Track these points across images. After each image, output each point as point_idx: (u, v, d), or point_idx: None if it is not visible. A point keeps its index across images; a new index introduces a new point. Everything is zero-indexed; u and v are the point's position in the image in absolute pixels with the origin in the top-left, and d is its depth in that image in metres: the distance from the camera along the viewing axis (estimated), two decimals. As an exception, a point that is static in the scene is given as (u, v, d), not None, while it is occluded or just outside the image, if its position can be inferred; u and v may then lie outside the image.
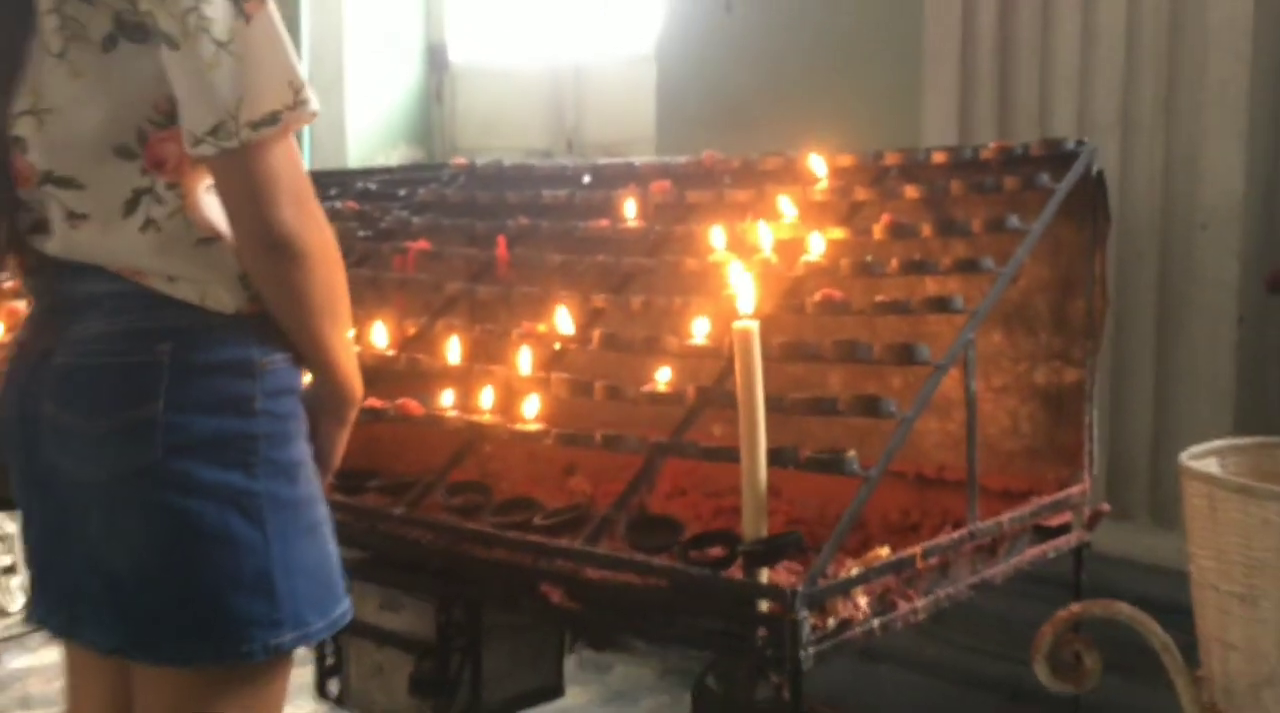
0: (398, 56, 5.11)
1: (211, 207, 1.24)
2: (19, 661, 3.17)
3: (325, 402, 1.32)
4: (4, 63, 1.22)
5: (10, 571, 3.43)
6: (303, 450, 1.29)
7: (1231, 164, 2.50)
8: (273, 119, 1.18)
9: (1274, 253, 2.52)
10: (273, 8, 1.20)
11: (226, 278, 1.24)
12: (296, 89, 1.20)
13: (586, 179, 2.22)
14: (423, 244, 2.09)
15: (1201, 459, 1.27)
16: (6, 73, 1.22)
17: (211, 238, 1.23)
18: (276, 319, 1.25)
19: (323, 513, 1.31)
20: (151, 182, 1.23)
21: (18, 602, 3.45)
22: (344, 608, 1.32)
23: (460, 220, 2.18)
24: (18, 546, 3.34)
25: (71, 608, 1.32)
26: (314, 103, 1.21)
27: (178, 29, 1.15)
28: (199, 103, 1.16)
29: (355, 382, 1.34)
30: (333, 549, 1.31)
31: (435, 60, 5.04)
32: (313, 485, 1.29)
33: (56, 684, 2.12)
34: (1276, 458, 1.33)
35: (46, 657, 3.02)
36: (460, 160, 2.45)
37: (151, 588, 1.24)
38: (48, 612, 1.36)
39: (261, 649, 1.25)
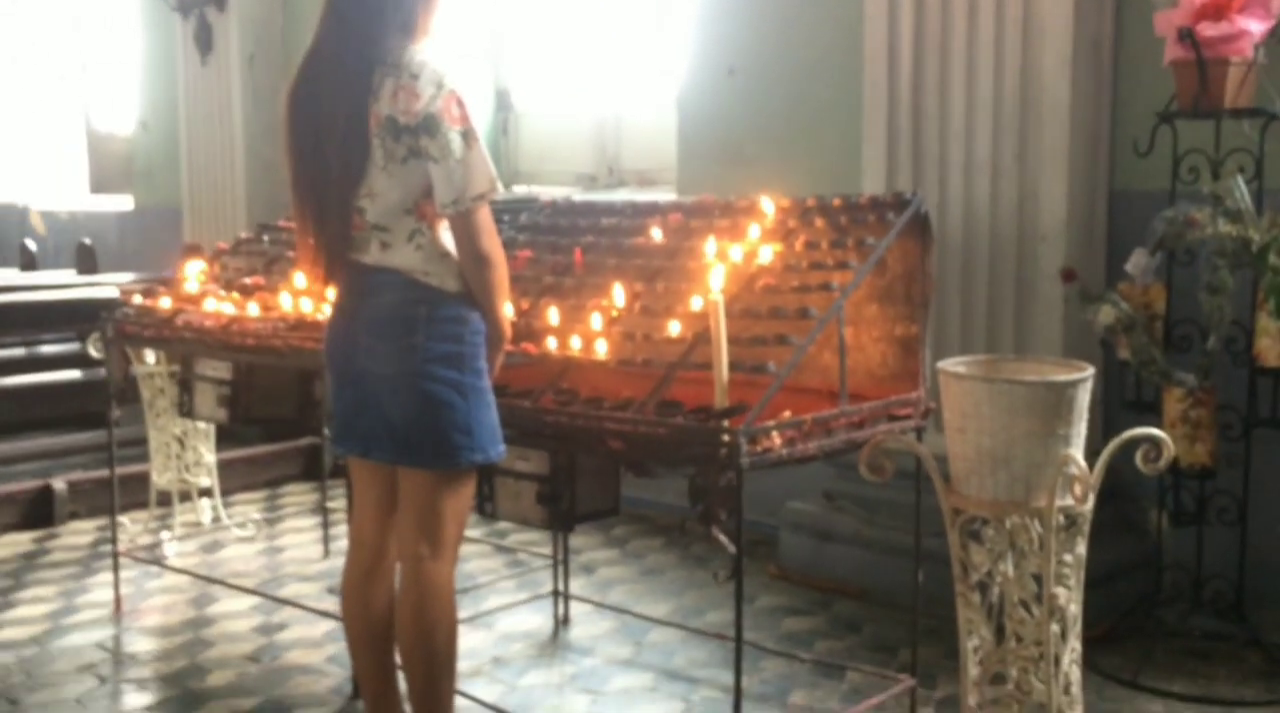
0: (473, 98, 6.37)
1: (446, 238, 2.47)
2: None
3: (492, 339, 2.55)
4: (357, 171, 2.45)
5: (206, 492, 4.65)
6: (484, 363, 2.52)
7: (1059, 197, 3.65)
8: (480, 197, 2.41)
9: (1084, 257, 3.68)
10: (481, 139, 2.42)
11: (453, 274, 2.48)
12: (492, 181, 2.42)
13: (621, 206, 3.43)
14: (527, 252, 3.31)
15: (949, 364, 2.46)
16: (358, 176, 2.45)
17: (447, 253, 2.47)
18: (476, 295, 2.48)
19: (493, 396, 2.54)
20: (420, 226, 2.46)
21: (206, 516, 4.68)
22: (502, 448, 2.55)
23: (549, 237, 3.40)
24: (213, 470, 4.56)
25: (365, 441, 2.55)
26: (500, 187, 2.44)
27: (438, 153, 2.39)
28: (446, 188, 2.40)
29: (508, 330, 2.58)
30: (496, 416, 2.54)
31: (502, 102, 6.16)
32: (488, 381, 2.52)
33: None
34: (994, 365, 2.51)
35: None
36: (547, 198, 3.66)
37: (413, 428, 2.48)
38: (348, 446, 2.60)
39: (466, 462, 2.49)
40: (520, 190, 6.00)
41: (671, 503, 4.58)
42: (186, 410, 3.68)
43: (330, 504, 4.50)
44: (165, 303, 3.76)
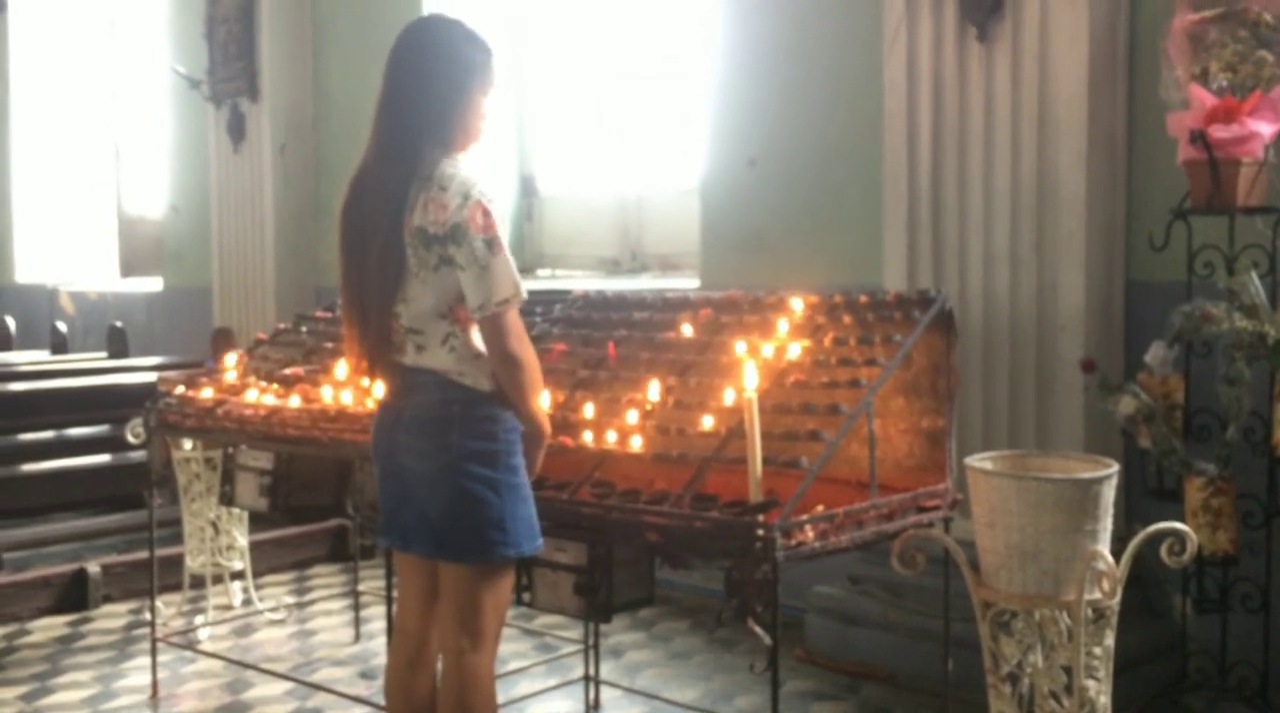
0: (498, 185, 6.56)
1: (478, 340, 2.57)
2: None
3: (529, 436, 2.64)
4: (394, 279, 2.56)
5: (238, 575, 4.71)
6: (520, 459, 2.61)
7: (1077, 288, 3.75)
8: (505, 302, 2.51)
9: (1102, 346, 3.77)
10: (504, 244, 2.52)
11: (485, 374, 2.57)
12: (515, 287, 2.53)
13: (652, 299, 3.54)
14: (562, 346, 3.42)
15: (977, 460, 2.54)
16: (395, 284, 2.56)
17: (479, 355, 2.57)
18: (507, 394, 2.57)
19: (529, 491, 2.62)
20: (454, 329, 2.56)
21: (237, 599, 4.75)
22: (539, 542, 2.63)
23: (582, 330, 3.50)
24: (245, 554, 4.63)
25: (405, 535, 2.64)
26: (524, 292, 2.54)
27: (466, 261, 2.50)
28: (475, 294, 2.51)
29: (546, 427, 2.66)
30: (533, 511, 2.62)
31: (526, 188, 6.32)
32: (524, 477, 2.61)
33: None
34: (1021, 461, 2.59)
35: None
36: (579, 291, 3.77)
37: (449, 523, 2.56)
38: (390, 539, 2.68)
39: (500, 557, 2.57)
40: (544, 274, 6.14)
41: (697, 585, 4.63)
42: (228, 499, 3.77)
43: (360, 588, 4.56)
44: (207, 393, 3.86)
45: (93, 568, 4.81)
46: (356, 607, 4.49)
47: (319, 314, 4.30)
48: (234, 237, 7.01)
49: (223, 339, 6.50)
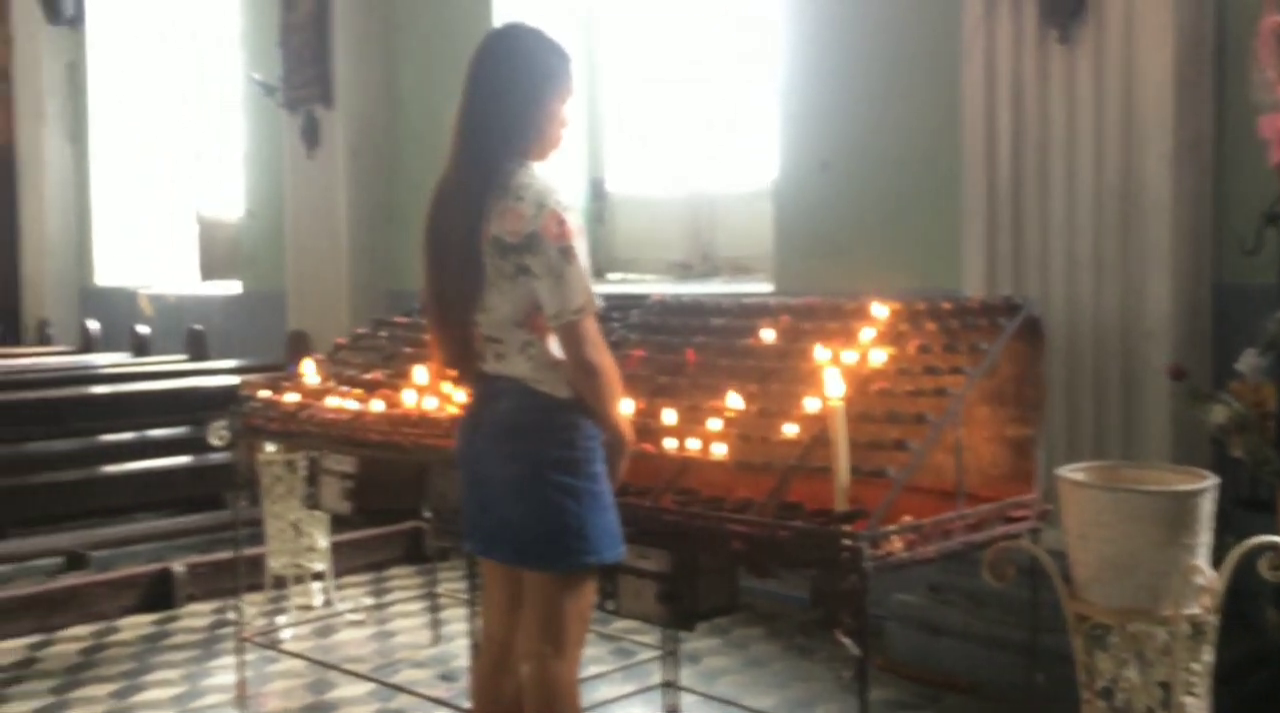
0: (568, 189, 6.57)
1: (555, 348, 2.58)
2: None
3: (611, 443, 2.64)
4: (472, 289, 2.58)
5: (319, 576, 4.78)
6: (600, 466, 2.61)
7: (1164, 293, 3.68)
8: (580, 310, 2.52)
9: (1190, 353, 3.70)
10: (580, 252, 2.53)
11: (562, 382, 2.59)
12: (589, 296, 2.54)
13: (729, 305, 3.54)
14: (640, 352, 3.42)
15: (1069, 471, 2.50)
16: (473, 293, 2.58)
17: (556, 363, 2.58)
18: (586, 402, 2.58)
19: (611, 499, 2.63)
20: (531, 337, 2.58)
21: (318, 600, 4.82)
22: (621, 550, 2.64)
23: (660, 336, 3.51)
24: (326, 555, 4.69)
25: (488, 542, 2.66)
26: (598, 300, 2.55)
27: (541, 270, 2.51)
28: (551, 302, 2.52)
29: (628, 434, 2.67)
30: (616, 518, 2.63)
31: (597, 191, 6.34)
32: (606, 484, 2.62)
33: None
34: (1113, 472, 2.55)
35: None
36: (658, 296, 3.78)
37: (530, 531, 2.58)
38: (474, 545, 2.70)
39: (581, 565, 2.58)
40: (615, 278, 6.16)
41: (773, 591, 4.61)
42: (313, 502, 3.82)
43: (437, 590, 4.60)
44: (290, 397, 3.91)
45: (178, 568, 4.90)
46: (434, 609, 4.53)
47: (397, 319, 4.35)
48: (308, 241, 7.10)
49: (298, 342, 6.61)
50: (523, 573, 2.64)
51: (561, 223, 2.50)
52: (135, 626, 4.65)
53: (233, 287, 8.14)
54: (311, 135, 6.97)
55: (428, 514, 3.58)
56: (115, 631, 4.59)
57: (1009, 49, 3.97)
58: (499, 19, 6.21)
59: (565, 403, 2.56)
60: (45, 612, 4.62)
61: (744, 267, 5.67)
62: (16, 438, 5.94)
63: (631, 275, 6.16)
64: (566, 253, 2.49)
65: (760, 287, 5.17)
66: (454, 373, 2.74)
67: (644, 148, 6.18)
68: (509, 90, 2.59)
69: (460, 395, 3.15)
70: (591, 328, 2.54)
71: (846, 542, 2.46)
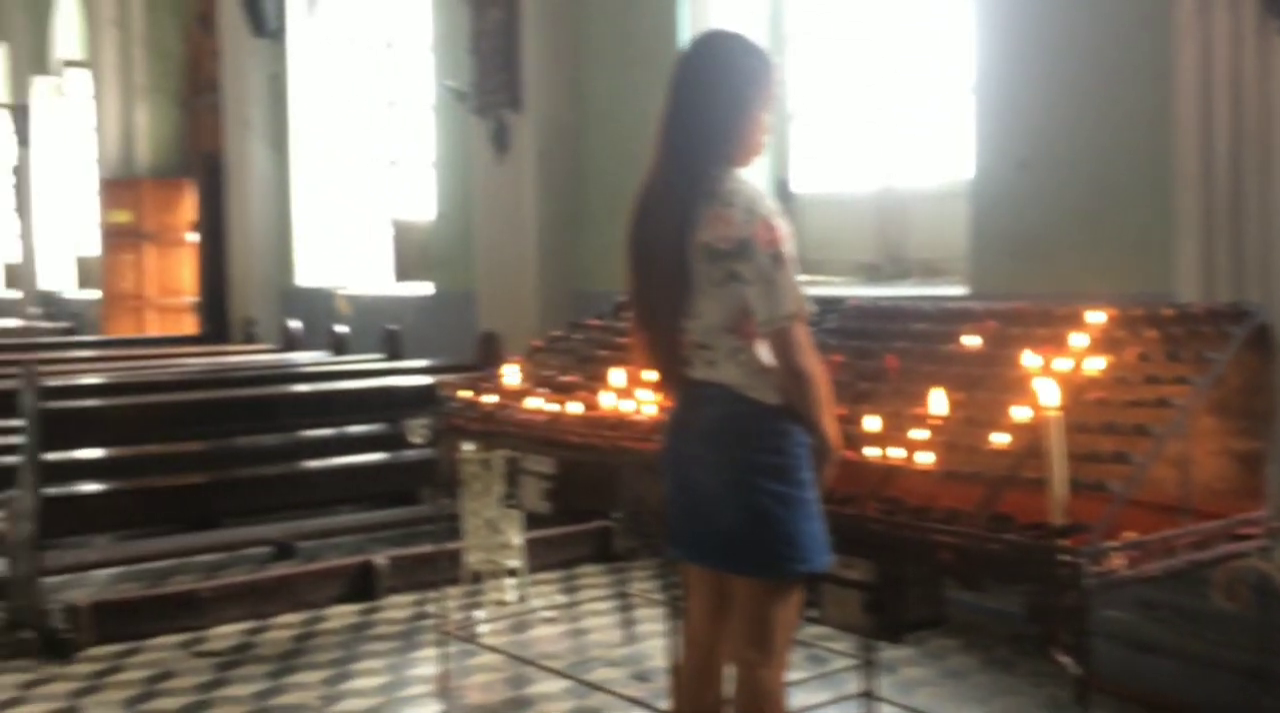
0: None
1: (765, 354, 2.57)
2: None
3: (818, 450, 2.62)
4: (680, 296, 2.60)
5: (513, 572, 4.89)
6: (809, 473, 2.60)
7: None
8: (791, 316, 2.51)
9: None
10: (790, 258, 2.52)
11: (772, 388, 2.58)
12: (801, 302, 2.52)
13: (931, 310, 3.47)
14: (838, 357, 3.39)
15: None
16: (681, 301, 2.60)
17: (766, 369, 2.57)
18: (796, 408, 2.56)
19: (818, 506, 2.61)
20: (741, 344, 2.58)
21: (512, 596, 4.93)
22: (828, 558, 2.62)
23: (858, 341, 3.47)
24: (521, 552, 4.80)
25: (694, 547, 2.67)
26: (810, 306, 2.53)
27: (752, 276, 2.51)
28: (761, 308, 2.52)
29: (836, 441, 2.65)
30: (824, 526, 2.61)
31: (781, 191, 6.28)
32: (813, 492, 2.60)
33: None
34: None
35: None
36: (855, 300, 3.74)
37: (737, 537, 2.58)
38: (679, 550, 2.72)
39: (790, 572, 2.57)
40: (802, 280, 6.09)
41: (968, 601, 4.50)
42: (513, 501, 3.91)
43: (628, 590, 4.65)
44: (490, 398, 4.02)
45: (379, 560, 5.09)
46: (626, 608, 4.58)
47: (592, 322, 4.41)
48: (497, 243, 7.27)
49: (489, 343, 6.78)
50: (729, 579, 2.65)
51: (772, 228, 2.50)
52: (341, 615, 4.85)
53: (425, 287, 8.40)
54: (501, 140, 7.13)
55: (619, 515, 3.63)
56: (323, 619, 4.80)
57: (1226, 40, 3.79)
58: (685, 22, 6.25)
59: (775, 409, 2.55)
60: (258, 599, 4.85)
61: (936, 268, 5.54)
62: (225, 433, 6.24)
63: (818, 277, 6.09)
64: (778, 259, 2.49)
65: (954, 289, 5.06)
66: (657, 378, 2.76)
67: (830, 145, 6.11)
68: (714, 96, 2.60)
69: (659, 399, 3.18)
70: (802, 333, 2.53)
71: (1065, 557, 2.39)
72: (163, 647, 4.48)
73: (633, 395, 3.54)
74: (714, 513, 2.59)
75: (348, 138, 9.67)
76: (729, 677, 2.74)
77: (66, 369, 7.44)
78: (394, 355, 7.41)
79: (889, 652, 4.15)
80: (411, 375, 6.87)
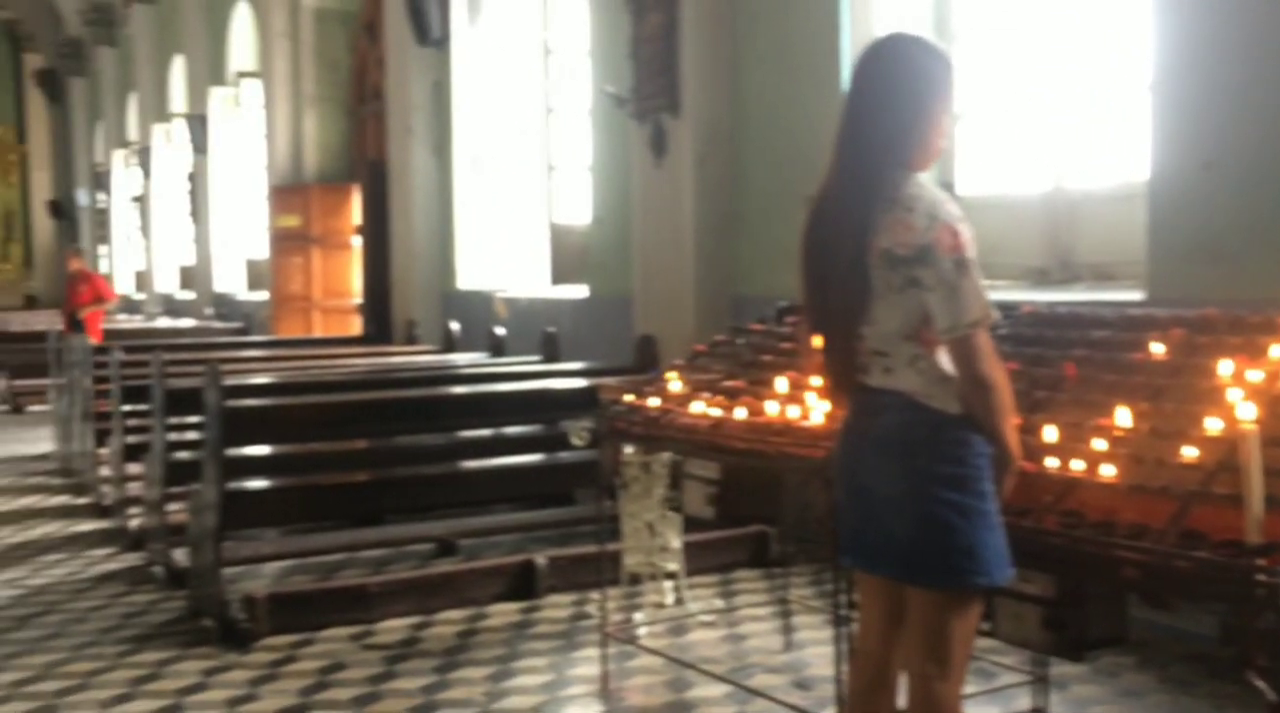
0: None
1: (945, 362, 2.52)
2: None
3: (999, 461, 2.56)
4: (858, 303, 2.56)
5: (671, 575, 4.91)
6: (990, 485, 2.53)
7: None
8: (975, 323, 2.45)
9: None
10: (974, 264, 2.46)
11: (952, 396, 2.52)
12: (985, 308, 2.46)
13: (1112, 317, 3.35)
14: (1013, 365, 3.30)
15: None
16: (859, 308, 2.56)
17: (947, 377, 2.52)
18: (977, 418, 2.50)
19: (999, 518, 2.54)
20: (920, 351, 2.53)
21: (669, 599, 4.94)
22: (1009, 572, 2.55)
23: (1034, 349, 3.38)
24: (679, 555, 4.81)
25: (869, 556, 2.63)
26: (995, 313, 2.47)
27: (934, 283, 2.46)
28: (943, 316, 2.46)
29: (1015, 451, 2.58)
30: (1004, 538, 2.54)
31: (946, 193, 6.14)
32: (994, 503, 2.53)
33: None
34: None
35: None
36: (1028, 307, 3.64)
37: (915, 547, 2.53)
38: (854, 559, 2.68)
39: (971, 584, 2.51)
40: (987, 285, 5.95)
41: (1144, 618, 4.35)
42: (677, 506, 3.92)
43: (787, 596, 4.62)
44: (653, 402, 4.03)
45: (540, 560, 5.16)
46: (785, 614, 4.55)
47: (754, 326, 4.39)
48: (654, 247, 7.31)
49: (646, 346, 6.81)
50: (905, 589, 2.60)
51: (955, 234, 2.45)
52: (502, 613, 4.93)
53: (580, 291, 8.50)
54: (659, 144, 7.17)
55: (790, 524, 3.62)
56: (485, 616, 4.89)
57: None
58: (846, 23, 6.18)
59: (955, 419, 2.50)
60: (424, 595, 4.97)
61: (1107, 273, 5.36)
62: (388, 433, 6.40)
63: (983, 282, 5.94)
64: (961, 265, 2.44)
65: (1128, 295, 4.88)
66: (832, 387, 2.73)
67: (997, 146, 5.96)
68: (894, 100, 2.56)
69: (829, 406, 3.14)
70: (985, 342, 2.48)
71: (1262, 577, 2.28)
72: (334, 638, 4.62)
73: (800, 401, 3.52)
74: (890, 522, 2.55)
75: (507, 143, 9.86)
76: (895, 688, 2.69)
77: (239, 368, 7.77)
78: (551, 358, 7.51)
79: (1059, 668, 4.03)
80: (568, 378, 6.96)
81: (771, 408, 3.61)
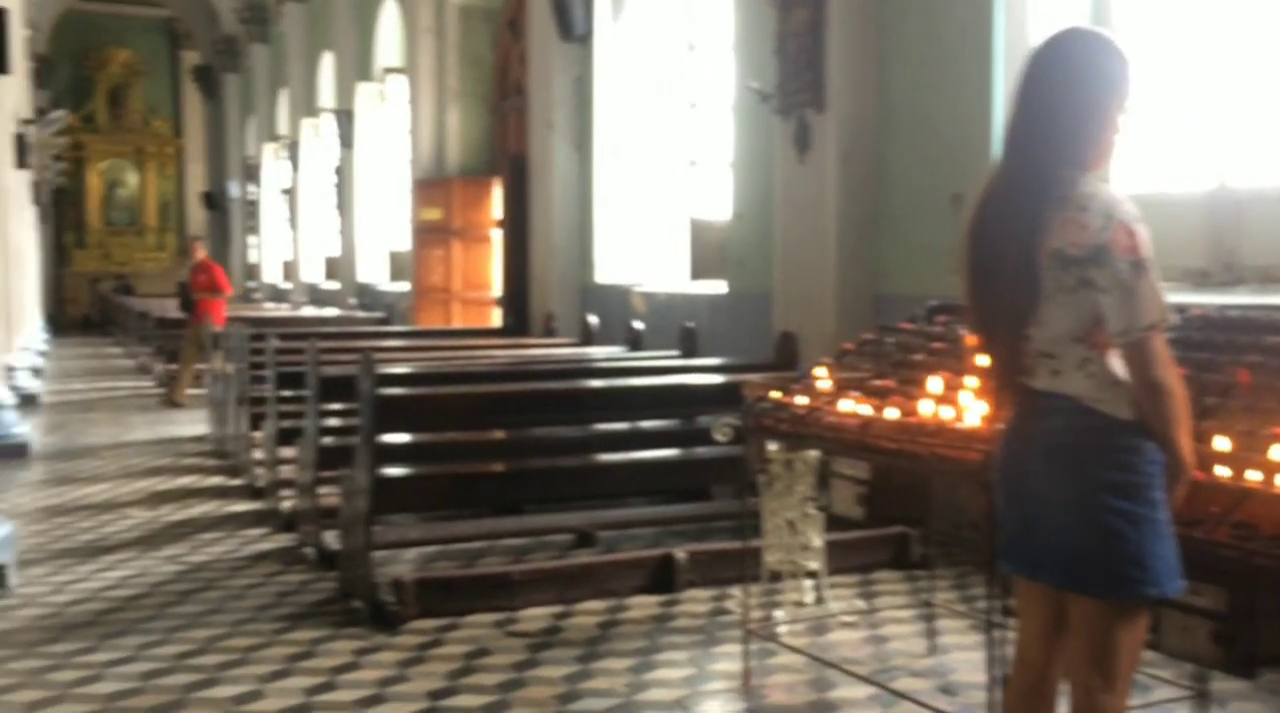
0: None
1: (1118, 366, 2.45)
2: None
3: (1171, 469, 2.48)
4: (1026, 303, 2.50)
5: (812, 574, 4.87)
6: (1161, 493, 2.46)
7: None
8: (1151, 327, 2.38)
9: None
10: (1151, 266, 2.39)
11: (1124, 401, 2.45)
12: (1163, 311, 2.39)
13: None
14: (1181, 370, 3.20)
15: None
16: (1027, 308, 2.50)
17: (1119, 382, 2.45)
18: (1150, 424, 2.43)
19: (1169, 528, 2.47)
20: (1091, 354, 2.47)
21: (810, 597, 4.90)
22: (1180, 583, 2.47)
23: (1203, 353, 3.26)
24: (820, 554, 4.78)
25: (1032, 563, 2.57)
26: (1172, 316, 2.40)
27: (1108, 284, 2.39)
28: (1117, 318, 2.39)
29: (1189, 459, 2.49)
30: (1174, 549, 2.46)
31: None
32: (1165, 512, 2.46)
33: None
34: None
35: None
36: (1197, 310, 3.52)
37: (1081, 556, 2.46)
38: (1015, 565, 2.63)
39: (1139, 595, 2.44)
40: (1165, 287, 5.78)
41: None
42: (824, 505, 3.90)
43: (932, 599, 4.55)
44: (801, 400, 4.01)
45: (679, 554, 5.19)
46: (930, 618, 4.49)
47: (904, 325, 4.34)
48: (796, 244, 7.27)
49: (787, 343, 6.77)
50: (1067, 598, 2.54)
51: (1132, 235, 2.39)
52: (642, 605, 4.97)
53: (718, 286, 8.50)
54: (803, 140, 7.13)
55: (925, 523, 3.55)
56: (625, 608, 4.93)
57: None
58: (1000, 18, 6.04)
59: (1126, 424, 2.43)
60: (564, 585, 5.04)
61: (1275, 276, 5.15)
62: (525, 424, 6.48)
63: (1160, 284, 5.75)
64: (1138, 267, 2.38)
65: (1298, 299, 4.69)
66: (994, 386, 2.68)
67: (1156, 142, 5.76)
68: (1069, 97, 2.50)
69: (990, 408, 3.09)
70: (1161, 345, 2.41)
71: None
72: (478, 624, 4.72)
73: (954, 402, 3.46)
74: (1056, 530, 2.49)
75: (648, 138, 9.91)
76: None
77: (384, 357, 7.96)
78: (689, 353, 7.52)
79: (1220, 683, 3.90)
80: (706, 374, 6.96)
81: (924, 408, 3.56)
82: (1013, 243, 2.50)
